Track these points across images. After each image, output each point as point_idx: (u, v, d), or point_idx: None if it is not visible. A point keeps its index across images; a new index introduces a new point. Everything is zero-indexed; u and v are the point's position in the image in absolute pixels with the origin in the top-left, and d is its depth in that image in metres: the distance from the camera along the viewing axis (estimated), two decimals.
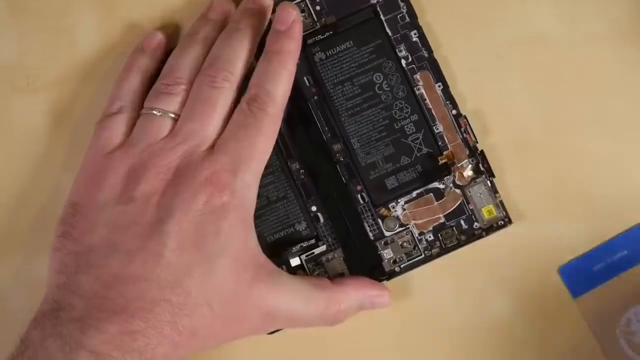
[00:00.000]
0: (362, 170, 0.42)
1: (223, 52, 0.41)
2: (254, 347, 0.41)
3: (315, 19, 0.43)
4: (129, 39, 0.43)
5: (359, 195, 0.43)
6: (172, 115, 0.40)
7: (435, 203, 0.42)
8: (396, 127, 0.42)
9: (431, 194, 0.42)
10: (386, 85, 0.43)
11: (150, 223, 0.38)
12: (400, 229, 0.42)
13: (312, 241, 0.42)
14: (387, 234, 0.42)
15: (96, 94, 0.44)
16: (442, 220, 0.42)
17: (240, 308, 0.39)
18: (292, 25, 0.40)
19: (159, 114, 0.40)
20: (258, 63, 0.41)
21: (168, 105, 0.40)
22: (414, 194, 0.42)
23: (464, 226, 0.42)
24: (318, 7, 0.43)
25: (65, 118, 0.44)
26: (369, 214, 0.43)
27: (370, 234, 0.42)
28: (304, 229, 0.42)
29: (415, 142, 0.42)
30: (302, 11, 0.43)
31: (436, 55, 0.43)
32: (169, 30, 0.44)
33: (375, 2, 0.43)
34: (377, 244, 0.42)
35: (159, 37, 0.43)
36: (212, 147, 0.40)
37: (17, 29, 0.44)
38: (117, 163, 0.40)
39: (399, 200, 0.42)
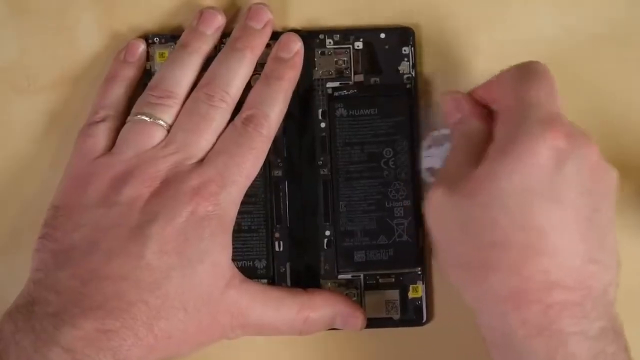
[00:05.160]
0: (339, 234, 0.42)
1: (221, 72, 0.41)
2: (254, 348, 0.42)
3: (352, 73, 0.43)
4: (129, 39, 0.43)
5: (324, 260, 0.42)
6: (164, 124, 0.40)
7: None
8: (387, 206, 0.42)
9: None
10: (392, 163, 0.42)
11: (133, 226, 0.38)
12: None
13: (265, 281, 0.42)
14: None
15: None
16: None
17: (212, 312, 0.39)
18: (295, 55, 0.42)
19: (149, 119, 0.40)
20: (256, 84, 0.41)
21: (159, 114, 0.40)
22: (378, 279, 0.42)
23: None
24: (359, 64, 0.42)
25: (66, 118, 0.43)
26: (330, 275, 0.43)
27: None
28: (261, 267, 0.42)
29: (399, 227, 0.42)
30: (344, 61, 0.43)
31: None
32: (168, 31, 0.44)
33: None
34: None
35: (142, 46, 0.43)
36: (201, 160, 0.40)
37: (17, 29, 0.44)
38: (103, 168, 0.40)
39: (358, 274, 0.42)
